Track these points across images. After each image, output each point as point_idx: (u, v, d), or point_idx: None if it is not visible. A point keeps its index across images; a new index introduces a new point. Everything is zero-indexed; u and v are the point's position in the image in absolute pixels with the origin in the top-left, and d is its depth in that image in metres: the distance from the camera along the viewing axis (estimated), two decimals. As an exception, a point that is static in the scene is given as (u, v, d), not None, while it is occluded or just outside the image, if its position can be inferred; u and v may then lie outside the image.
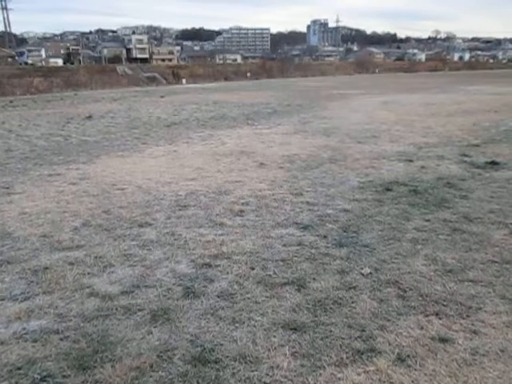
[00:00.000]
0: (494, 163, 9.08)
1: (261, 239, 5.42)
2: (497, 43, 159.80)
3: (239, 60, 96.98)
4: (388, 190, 7.37)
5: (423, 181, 7.91)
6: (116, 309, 3.93)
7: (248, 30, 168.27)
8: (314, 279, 4.38)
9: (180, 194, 7.42)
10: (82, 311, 3.90)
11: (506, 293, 4.07)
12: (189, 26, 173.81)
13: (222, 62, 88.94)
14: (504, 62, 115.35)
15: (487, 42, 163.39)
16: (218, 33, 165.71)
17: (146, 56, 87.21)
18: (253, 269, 4.64)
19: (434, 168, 8.90)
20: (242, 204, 6.78)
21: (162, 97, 30.66)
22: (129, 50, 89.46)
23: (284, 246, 5.22)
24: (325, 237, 5.45)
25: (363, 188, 7.53)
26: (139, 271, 4.64)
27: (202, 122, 16.91)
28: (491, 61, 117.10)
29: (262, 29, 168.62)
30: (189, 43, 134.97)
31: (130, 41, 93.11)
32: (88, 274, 4.60)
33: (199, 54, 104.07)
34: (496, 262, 4.70)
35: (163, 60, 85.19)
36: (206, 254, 5.00)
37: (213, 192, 7.46)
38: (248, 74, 63.04)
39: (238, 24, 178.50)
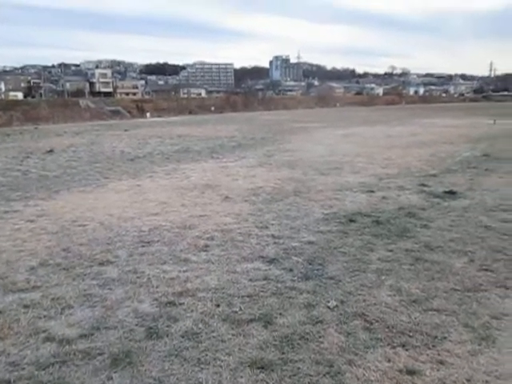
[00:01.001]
0: (451, 192, 9.41)
1: (226, 274, 5.33)
2: (448, 78, 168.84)
3: (203, 94, 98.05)
4: (351, 221, 7.47)
5: (385, 211, 8.07)
6: (74, 354, 3.72)
7: (212, 64, 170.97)
8: (280, 314, 4.32)
9: (143, 229, 7.26)
10: (36, 358, 3.68)
11: (469, 321, 4.14)
12: (153, 61, 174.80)
13: (186, 96, 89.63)
14: (455, 96, 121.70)
15: (440, 77, 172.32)
16: (183, 67, 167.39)
17: (110, 90, 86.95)
18: (218, 306, 4.53)
19: (394, 198, 9.12)
20: (207, 239, 6.69)
21: (125, 130, 30.45)
22: (92, 84, 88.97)
23: (250, 280, 5.15)
24: (291, 270, 5.42)
25: (327, 220, 7.61)
26: (99, 312, 4.45)
27: (167, 156, 16.84)
28: (444, 95, 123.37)
29: (225, 64, 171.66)
30: (153, 77, 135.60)
31: (93, 75, 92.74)
32: (44, 316, 4.37)
33: (164, 88, 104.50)
34: (458, 290, 4.79)
35: (127, 94, 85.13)
36: (170, 292, 4.86)
37: (177, 227, 7.34)
38: (212, 108, 63.72)
39: (202, 59, 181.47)
